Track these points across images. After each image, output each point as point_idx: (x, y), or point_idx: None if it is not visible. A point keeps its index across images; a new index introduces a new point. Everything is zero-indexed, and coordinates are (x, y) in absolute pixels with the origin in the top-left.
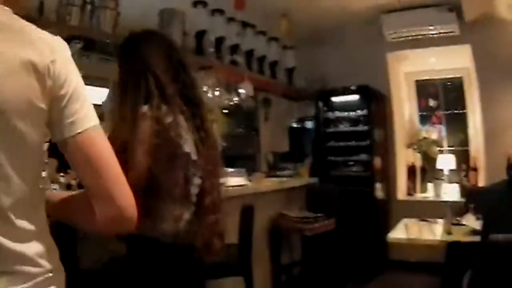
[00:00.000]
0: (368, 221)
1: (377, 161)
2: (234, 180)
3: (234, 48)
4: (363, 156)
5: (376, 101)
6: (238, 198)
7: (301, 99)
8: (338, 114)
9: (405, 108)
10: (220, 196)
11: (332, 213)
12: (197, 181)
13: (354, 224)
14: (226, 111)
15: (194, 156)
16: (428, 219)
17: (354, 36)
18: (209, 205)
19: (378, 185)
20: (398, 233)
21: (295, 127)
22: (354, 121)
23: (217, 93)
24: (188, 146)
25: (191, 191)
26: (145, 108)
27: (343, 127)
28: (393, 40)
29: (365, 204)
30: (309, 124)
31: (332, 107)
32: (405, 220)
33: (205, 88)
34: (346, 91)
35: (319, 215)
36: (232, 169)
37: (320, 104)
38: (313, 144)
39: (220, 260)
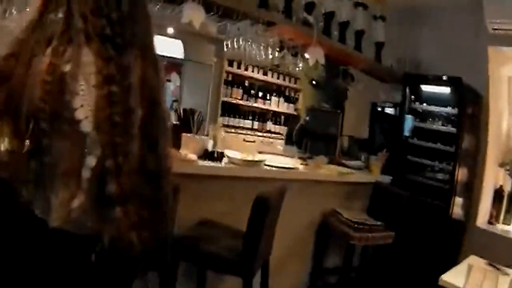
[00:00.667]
0: (433, 244)
1: (462, 173)
2: (278, 160)
3: (309, 7)
4: (445, 164)
5: (469, 100)
6: (284, 182)
7: (387, 81)
8: (426, 107)
9: (503, 117)
10: (143, 182)
11: (393, 224)
12: (90, 161)
13: (415, 243)
14: (314, 82)
15: (86, 127)
16: (499, 266)
17: (452, 21)
18: (113, 194)
19: (457, 202)
20: (454, 277)
21: (376, 112)
22: (444, 119)
23: (278, 54)
24: (84, 112)
25: (82, 174)
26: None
27: (430, 124)
28: (496, 32)
29: (436, 222)
30: (390, 111)
31: (421, 97)
32: (472, 259)
33: (262, 46)
34: (437, 81)
35: (378, 223)
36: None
37: (407, 91)
38: (393, 136)
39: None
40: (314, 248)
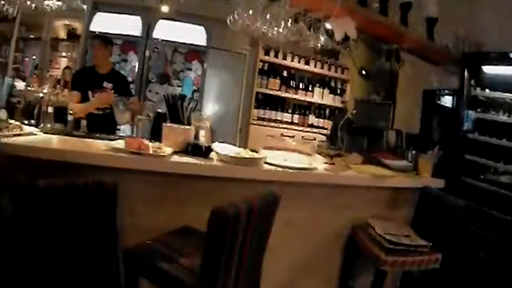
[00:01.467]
0: (496, 270)
1: None
2: (291, 157)
3: None
4: None
5: None
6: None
7: (441, 64)
8: (489, 93)
9: None
10: None
11: (442, 243)
12: None
13: (472, 268)
14: (364, 72)
15: None
16: None
17: None
18: None
19: None
20: None
21: (428, 102)
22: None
23: (292, 28)
24: None
25: None
26: None
27: (494, 115)
28: None
29: (501, 241)
30: (446, 101)
31: (483, 81)
32: None
33: (267, 20)
34: (502, 60)
35: (420, 243)
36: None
37: (466, 74)
38: (448, 130)
39: None
40: (340, 267)
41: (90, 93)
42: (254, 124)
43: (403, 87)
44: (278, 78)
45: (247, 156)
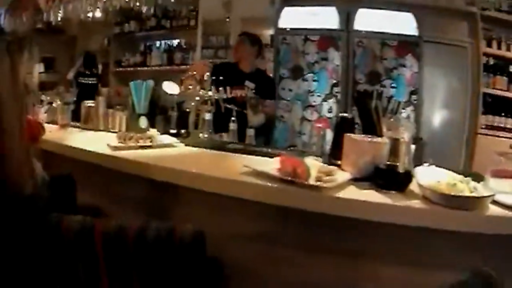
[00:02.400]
0: None
1: None
2: None
3: None
4: None
5: None
6: None
7: None
8: None
9: None
10: None
11: None
12: None
13: None
14: None
15: None
16: None
17: None
18: None
19: None
20: None
21: None
22: None
23: None
24: None
25: None
26: None
27: None
28: None
29: None
30: None
31: None
32: None
33: None
34: None
35: None
36: None
37: None
38: None
39: None
40: None
41: (228, 88)
42: (482, 133)
43: None
44: (505, 75)
45: (467, 194)
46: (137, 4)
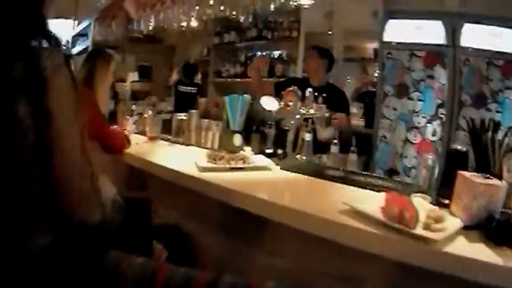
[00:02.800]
0: None
1: None
2: None
3: None
4: None
5: None
6: None
7: None
8: None
9: None
10: None
11: None
12: None
13: None
14: None
15: None
16: None
17: None
18: None
19: None
20: None
21: None
22: None
23: None
24: None
25: None
26: None
27: None
28: None
29: None
30: None
31: None
32: None
33: None
34: None
35: None
36: None
37: None
38: None
39: None
40: None
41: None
42: None
43: None
44: None
45: None
46: (233, 13)
